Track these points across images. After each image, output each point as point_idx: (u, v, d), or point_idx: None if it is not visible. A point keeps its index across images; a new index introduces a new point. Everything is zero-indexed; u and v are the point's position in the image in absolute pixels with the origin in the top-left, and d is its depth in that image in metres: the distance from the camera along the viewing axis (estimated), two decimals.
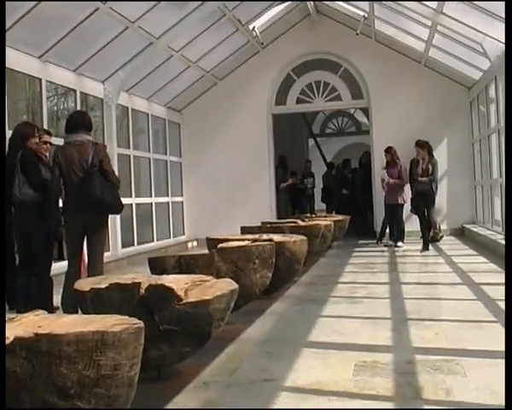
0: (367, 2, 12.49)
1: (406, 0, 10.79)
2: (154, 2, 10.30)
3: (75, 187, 6.02)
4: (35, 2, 8.41)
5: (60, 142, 9.21)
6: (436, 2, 10.38)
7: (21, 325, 3.09)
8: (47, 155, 6.90)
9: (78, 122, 6.24)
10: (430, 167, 11.33)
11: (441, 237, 12.85)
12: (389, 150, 12.46)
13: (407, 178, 12.18)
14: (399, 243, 12.20)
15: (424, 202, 11.44)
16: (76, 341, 2.78)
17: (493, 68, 10.70)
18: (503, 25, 9.62)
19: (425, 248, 11.38)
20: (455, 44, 11.79)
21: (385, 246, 12.35)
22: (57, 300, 6.39)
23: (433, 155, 11.62)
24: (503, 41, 10.09)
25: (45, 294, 6.26)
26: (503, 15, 9.46)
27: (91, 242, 6.20)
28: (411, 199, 12.02)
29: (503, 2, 9.08)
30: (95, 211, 6.01)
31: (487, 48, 10.34)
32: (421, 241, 11.64)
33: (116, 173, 6.46)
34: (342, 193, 16.63)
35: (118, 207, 6.29)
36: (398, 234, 12.34)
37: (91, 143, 6.10)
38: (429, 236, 11.67)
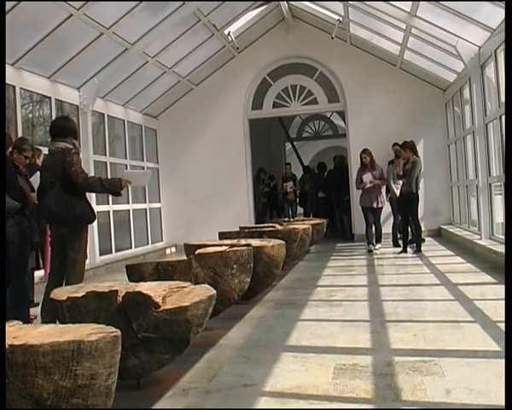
0: (341, 6, 12.55)
1: (379, 0, 10.84)
2: (128, 8, 10.25)
3: (41, 198, 6.04)
4: (9, 7, 8.30)
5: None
6: (410, 4, 10.44)
7: None
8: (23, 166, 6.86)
9: (56, 129, 6.17)
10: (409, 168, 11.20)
11: (422, 241, 12.69)
12: (367, 152, 12.21)
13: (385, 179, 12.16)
14: (378, 246, 12.12)
15: (407, 204, 11.30)
16: (52, 351, 2.76)
17: (467, 70, 10.81)
18: (476, 27, 9.75)
19: (404, 250, 11.35)
20: (429, 47, 11.88)
21: (369, 251, 11.98)
22: (34, 310, 6.34)
23: (417, 155, 11.41)
24: (476, 43, 10.22)
25: (21, 304, 6.19)
26: (476, 18, 9.59)
27: (67, 251, 6.15)
28: (397, 200, 11.75)
29: (476, 4, 9.23)
30: (56, 223, 6.00)
31: (461, 50, 10.44)
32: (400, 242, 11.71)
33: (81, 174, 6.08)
34: (319, 196, 16.71)
35: (80, 219, 6.12)
36: (377, 235, 12.25)
37: (63, 151, 5.97)
38: (421, 239, 11.57)
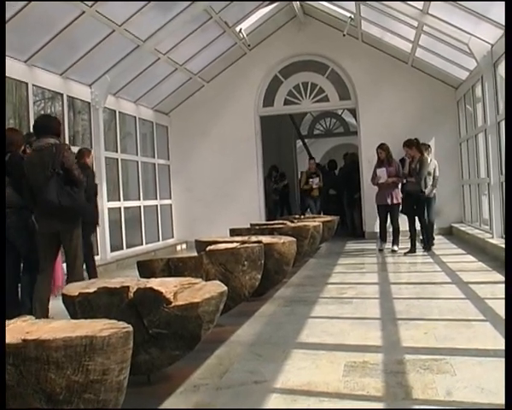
0: (353, 4, 12.52)
1: (392, 0, 10.82)
2: (139, 5, 10.27)
3: (37, 194, 5.97)
4: (22, 4, 8.36)
5: None
6: (422, 3, 10.41)
7: (9, 331, 3.07)
8: None
9: (42, 127, 6.14)
10: (418, 166, 10.94)
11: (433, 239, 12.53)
12: (384, 147, 11.69)
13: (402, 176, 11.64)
14: (395, 247, 11.48)
15: (414, 203, 11.01)
16: (64, 346, 2.77)
17: (479, 68, 10.75)
18: (489, 25, 9.69)
19: (412, 250, 11.03)
20: (441, 45, 11.83)
21: (380, 251, 11.65)
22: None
23: (423, 153, 11.15)
24: (489, 41, 10.16)
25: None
26: (489, 16, 9.53)
27: (64, 249, 6.14)
28: (402, 200, 11.37)
29: (489, 3, 9.18)
30: (57, 218, 5.93)
31: (473, 48, 10.38)
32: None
33: (78, 173, 6.14)
34: (329, 194, 16.67)
35: (81, 211, 6.16)
36: (394, 236, 11.57)
37: (54, 147, 5.95)
38: (431, 238, 11.32)
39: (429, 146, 12.01)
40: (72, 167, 5.97)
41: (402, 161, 12.17)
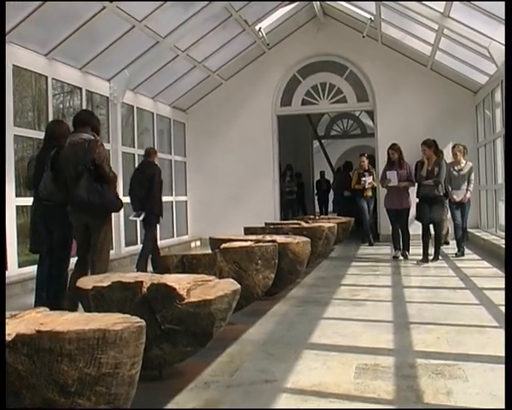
0: (374, 5, 12.48)
1: (412, 0, 10.76)
2: (160, 2, 10.32)
3: (69, 188, 6.06)
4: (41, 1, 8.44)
5: None
6: (443, 4, 10.35)
7: (23, 322, 3.11)
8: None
9: (81, 121, 6.24)
10: (436, 169, 10.31)
11: (447, 243, 12.40)
12: (395, 148, 11.15)
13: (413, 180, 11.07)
14: (407, 253, 11.07)
15: (430, 208, 10.36)
16: (77, 339, 2.78)
17: (499, 73, 10.68)
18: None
19: (424, 259, 10.40)
20: (461, 48, 11.77)
21: (394, 258, 11.07)
22: None
23: (439, 155, 10.50)
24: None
25: (60, 288, 6.29)
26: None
27: (92, 241, 6.19)
28: (417, 205, 10.71)
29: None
30: (85, 212, 6.01)
31: (494, 52, 10.31)
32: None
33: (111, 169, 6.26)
34: (344, 195, 16.61)
35: (109, 207, 6.21)
36: (404, 243, 11.10)
37: (87, 142, 6.01)
38: (440, 246, 10.81)
39: (464, 147, 11.59)
40: (102, 164, 6.01)
41: (419, 164, 11.91)
